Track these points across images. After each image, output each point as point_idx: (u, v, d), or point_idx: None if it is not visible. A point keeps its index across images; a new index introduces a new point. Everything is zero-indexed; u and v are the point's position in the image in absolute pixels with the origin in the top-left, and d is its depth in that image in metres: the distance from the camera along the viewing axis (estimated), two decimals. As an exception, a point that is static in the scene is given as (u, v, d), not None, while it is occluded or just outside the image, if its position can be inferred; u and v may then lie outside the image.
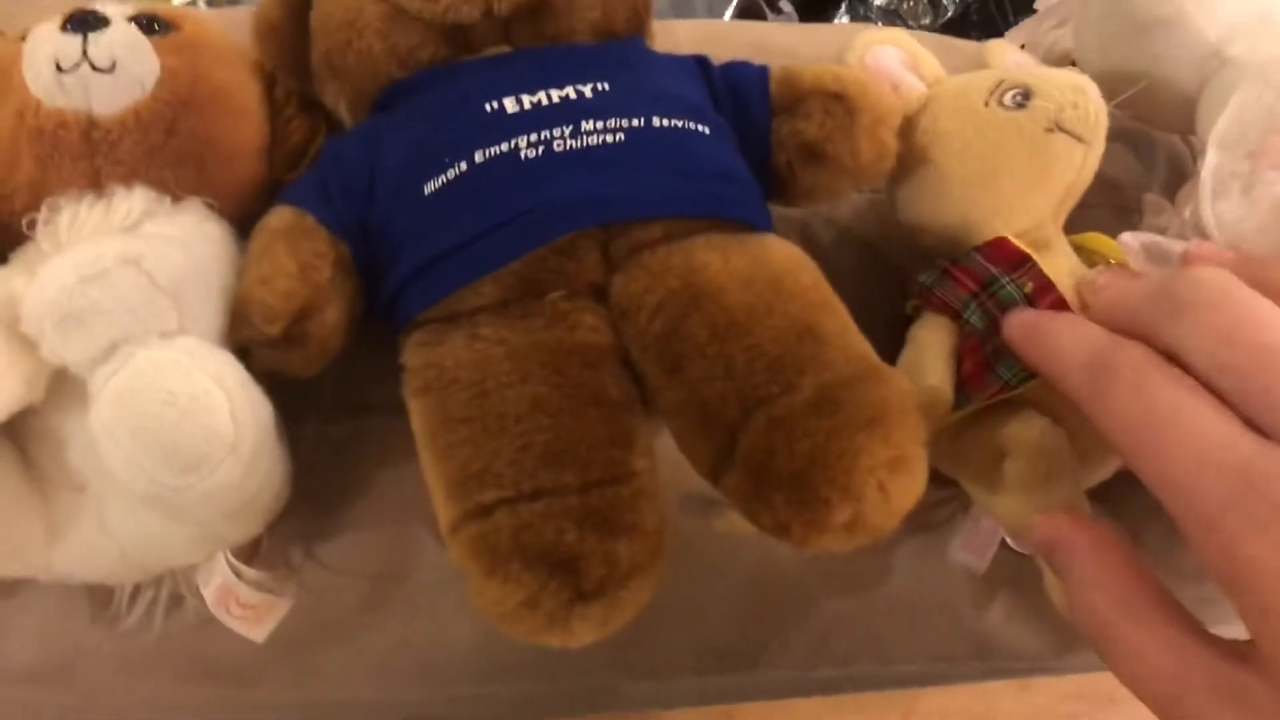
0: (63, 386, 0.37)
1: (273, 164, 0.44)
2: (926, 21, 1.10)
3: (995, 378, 0.39)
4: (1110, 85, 0.45)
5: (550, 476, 0.34)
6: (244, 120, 0.43)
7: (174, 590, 0.43)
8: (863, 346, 0.36)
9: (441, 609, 0.47)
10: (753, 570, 0.48)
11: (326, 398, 0.46)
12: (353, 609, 0.47)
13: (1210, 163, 0.40)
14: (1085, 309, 0.37)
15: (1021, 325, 0.37)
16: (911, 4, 1.11)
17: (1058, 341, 0.33)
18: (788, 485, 0.33)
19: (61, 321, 0.34)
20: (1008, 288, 0.41)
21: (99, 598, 0.44)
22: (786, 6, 1.06)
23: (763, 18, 1.03)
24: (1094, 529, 0.32)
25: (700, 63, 0.45)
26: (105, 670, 0.45)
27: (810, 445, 0.33)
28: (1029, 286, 0.40)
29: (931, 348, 0.42)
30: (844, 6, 1.10)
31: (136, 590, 0.43)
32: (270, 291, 0.37)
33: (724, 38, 0.56)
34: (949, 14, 1.09)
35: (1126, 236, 0.42)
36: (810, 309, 0.36)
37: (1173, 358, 0.29)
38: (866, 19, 1.10)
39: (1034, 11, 1.09)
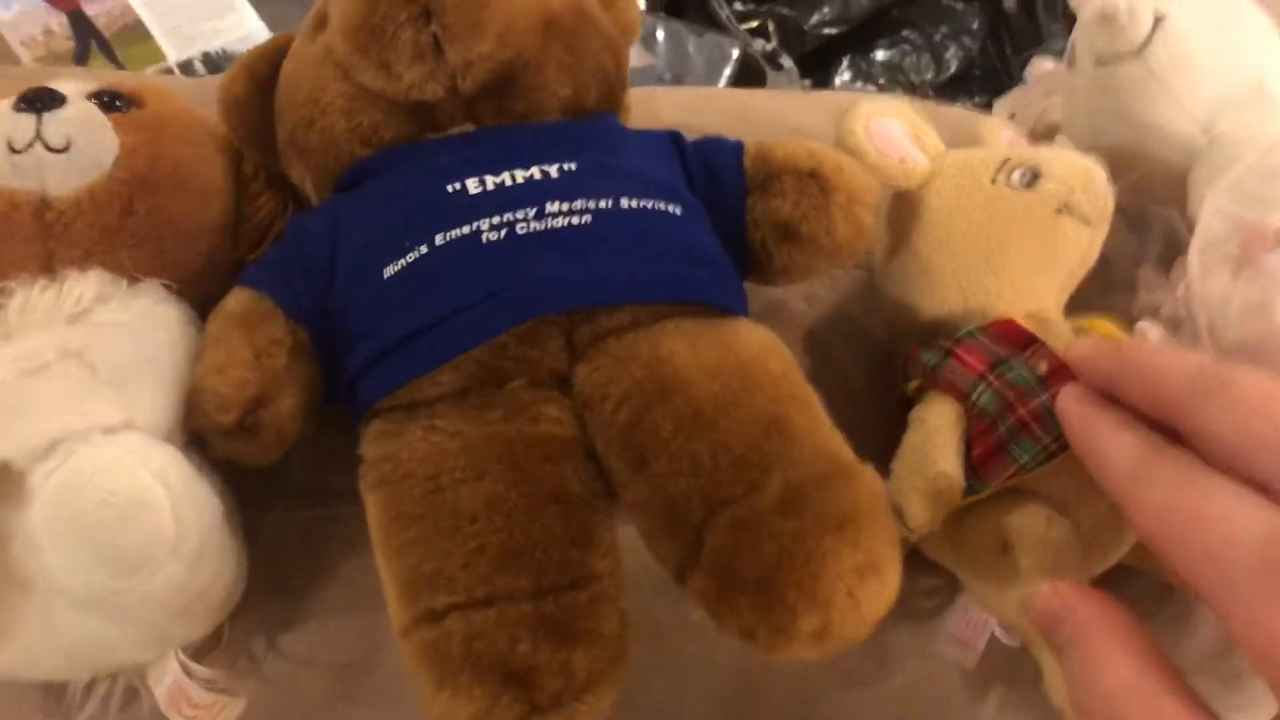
0: (6, 480, 0.36)
1: (237, 241, 0.44)
2: (929, 75, 1.10)
3: (1011, 460, 0.38)
4: (1100, 160, 0.44)
5: (504, 581, 0.32)
6: (206, 199, 0.42)
7: (129, 683, 0.42)
8: (833, 441, 0.35)
9: (411, 699, 0.45)
10: (735, 663, 0.46)
11: (294, 482, 0.45)
12: (319, 701, 0.45)
13: (1197, 244, 0.39)
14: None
15: (1076, 401, 0.35)
16: (914, 59, 1.11)
17: (1103, 441, 0.33)
18: (753, 590, 0.32)
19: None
20: (1019, 369, 0.39)
21: (52, 691, 0.43)
22: (787, 62, 1.06)
23: (763, 74, 1.03)
24: (1104, 603, 0.31)
25: (674, 139, 0.44)
26: (58, 766, 0.44)
27: (776, 549, 0.31)
28: (1042, 367, 0.39)
29: (939, 432, 0.40)
30: (846, 62, 1.10)
31: (91, 684, 0.42)
32: (224, 380, 0.36)
33: (706, 106, 0.55)
34: (952, 69, 1.08)
35: (1144, 325, 0.42)
36: (778, 400, 0.35)
37: (1196, 438, 0.30)
38: (869, 75, 1.09)
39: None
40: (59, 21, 0.88)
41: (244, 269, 0.42)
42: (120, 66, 0.90)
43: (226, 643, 0.43)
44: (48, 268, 0.38)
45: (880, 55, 1.10)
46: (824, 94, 0.64)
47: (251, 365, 0.37)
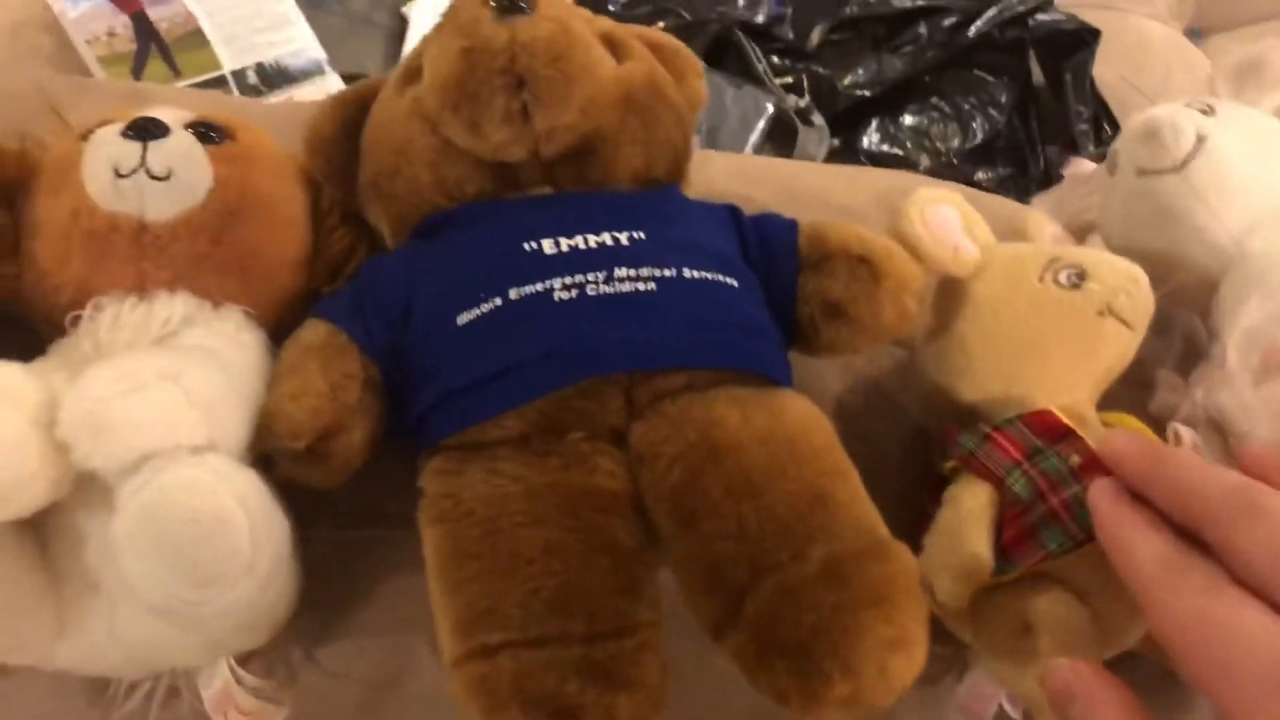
0: (87, 485, 0.37)
1: (312, 274, 0.46)
2: (955, 144, 1.12)
3: (1040, 546, 0.40)
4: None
5: (557, 624, 0.34)
6: (288, 232, 0.44)
7: (172, 683, 0.44)
8: (871, 517, 0.37)
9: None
10: (750, 706, 0.48)
11: (343, 503, 0.47)
12: (347, 712, 0.47)
13: (1230, 355, 0.41)
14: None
15: (1106, 497, 0.36)
16: (941, 127, 1.13)
17: (1132, 539, 0.34)
18: (790, 655, 0.33)
19: (96, 433, 0.34)
20: (1053, 460, 0.41)
21: (96, 683, 0.44)
22: (819, 119, 1.08)
23: (794, 129, 1.05)
24: (1118, 687, 0.32)
25: (733, 213, 0.46)
26: (97, 758, 0.45)
27: (816, 618, 0.33)
28: (1075, 460, 0.41)
29: (973, 513, 0.42)
30: (874, 123, 1.12)
31: (134, 681, 0.44)
32: (299, 407, 0.38)
33: (758, 177, 0.58)
34: (977, 139, 1.10)
35: (1178, 428, 0.44)
36: (822, 474, 0.37)
37: (1223, 552, 0.31)
38: (895, 138, 1.11)
39: (1059, 144, 1.11)
40: (123, 23, 0.90)
41: (317, 301, 0.44)
42: (177, 71, 0.93)
43: (265, 650, 0.44)
44: (138, 287, 0.41)
45: (908, 120, 1.12)
46: (868, 173, 0.66)
47: (326, 396, 0.39)
